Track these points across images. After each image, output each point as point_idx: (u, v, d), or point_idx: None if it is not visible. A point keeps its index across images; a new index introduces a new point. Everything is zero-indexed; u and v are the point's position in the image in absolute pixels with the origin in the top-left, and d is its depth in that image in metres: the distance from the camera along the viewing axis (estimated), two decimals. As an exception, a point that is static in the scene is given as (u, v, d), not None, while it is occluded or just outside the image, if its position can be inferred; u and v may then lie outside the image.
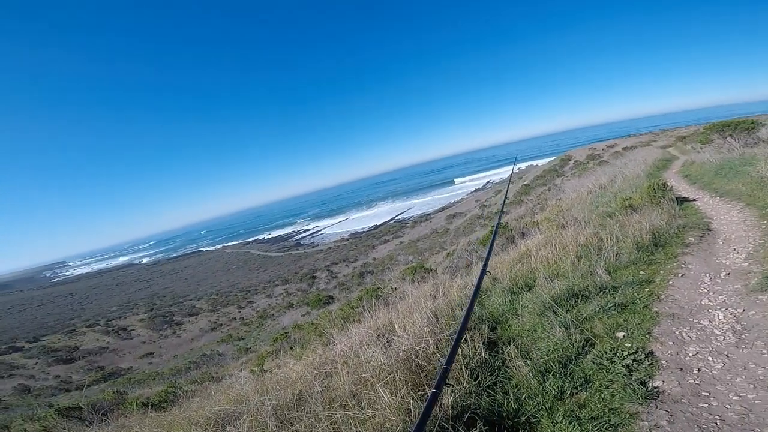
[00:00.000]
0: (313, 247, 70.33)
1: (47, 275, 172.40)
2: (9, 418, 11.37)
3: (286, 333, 12.41)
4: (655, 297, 3.56)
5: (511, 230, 8.47)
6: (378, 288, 9.63)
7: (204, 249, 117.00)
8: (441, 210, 62.02)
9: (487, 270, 3.16)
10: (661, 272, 4.07)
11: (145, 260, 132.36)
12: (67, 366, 30.39)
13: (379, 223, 73.06)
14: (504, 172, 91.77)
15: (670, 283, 3.79)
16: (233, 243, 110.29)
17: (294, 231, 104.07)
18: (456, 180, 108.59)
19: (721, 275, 3.86)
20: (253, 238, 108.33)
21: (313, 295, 27.77)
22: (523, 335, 3.47)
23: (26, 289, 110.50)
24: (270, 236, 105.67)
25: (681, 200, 7.31)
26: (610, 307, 3.44)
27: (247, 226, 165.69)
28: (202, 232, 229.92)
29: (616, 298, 3.56)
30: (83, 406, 7.29)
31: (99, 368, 28.18)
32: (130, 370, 26.20)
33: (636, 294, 3.65)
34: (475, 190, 76.14)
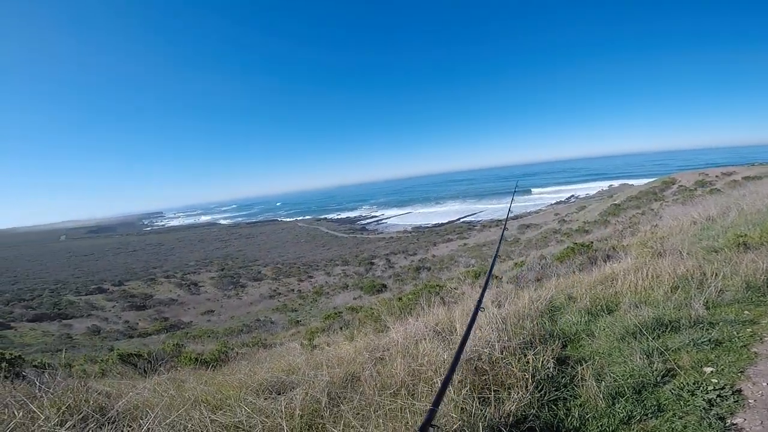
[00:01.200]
0: (376, 233, 71.94)
1: (145, 223, 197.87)
2: (74, 356, 12.24)
3: (338, 313, 12.67)
4: (758, 338, 3.26)
5: (595, 251, 8.02)
6: (438, 285, 9.65)
7: (280, 219, 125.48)
8: (515, 218, 59.53)
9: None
10: (771, 316, 3.69)
11: (227, 221, 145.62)
12: (138, 313, 33.72)
13: (444, 221, 72.28)
14: (592, 188, 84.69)
15: (778, 328, 3.43)
16: (306, 218, 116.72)
17: (361, 215, 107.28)
18: (533, 190, 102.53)
19: None
20: (324, 216, 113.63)
21: (368, 281, 28.42)
22: (597, 357, 3.40)
23: (125, 234, 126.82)
24: (339, 216, 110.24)
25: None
26: (702, 342, 3.24)
27: (320, 204, 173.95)
28: (278, 204, 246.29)
29: (712, 334, 3.33)
30: (143, 354, 7.40)
31: (164, 319, 30.72)
32: (189, 324, 28.20)
33: (735, 332, 3.37)
34: (556, 203, 71.74)
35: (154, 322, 29.70)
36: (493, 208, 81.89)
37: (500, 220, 59.79)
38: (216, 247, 77.72)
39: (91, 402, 2.93)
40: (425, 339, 3.73)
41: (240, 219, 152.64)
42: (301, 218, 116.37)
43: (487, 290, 7.11)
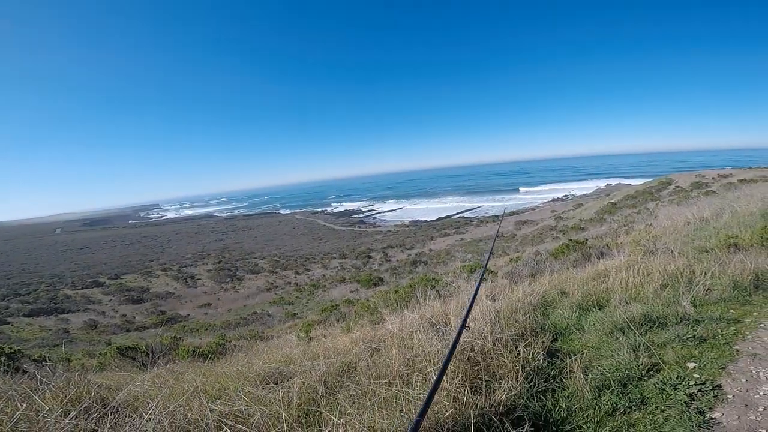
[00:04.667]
0: (374, 227, 72.02)
1: (141, 215, 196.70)
2: (72, 351, 12.29)
3: (335, 305, 12.76)
4: (741, 336, 3.37)
5: (589, 248, 8.14)
6: (434, 278, 9.75)
7: (278, 212, 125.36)
8: (512, 214, 59.75)
9: (468, 319, 3.03)
10: (755, 314, 3.80)
11: (223, 214, 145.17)
12: (135, 306, 33.63)
13: (442, 216, 72.41)
14: (589, 187, 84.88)
15: (762, 325, 3.54)
16: (303, 210, 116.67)
17: (359, 208, 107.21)
18: (521, 189, 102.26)
19: (831, 331, 3.50)
20: (321, 209, 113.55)
21: (365, 274, 28.45)
22: (585, 350, 3.50)
23: (121, 226, 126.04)
24: (337, 209, 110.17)
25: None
26: (687, 338, 3.35)
27: (313, 197, 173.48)
28: (266, 197, 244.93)
29: (697, 331, 3.43)
30: (141, 348, 7.50)
31: (161, 312, 30.59)
32: (186, 317, 28.13)
33: (720, 330, 3.48)
34: (553, 200, 71.98)
35: (151, 315, 29.62)
36: (489, 205, 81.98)
37: (497, 216, 59.99)
38: (213, 239, 77.53)
39: (92, 394, 2.99)
40: (420, 330, 3.80)
41: (237, 211, 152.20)
42: (299, 211, 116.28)
43: (483, 284, 7.23)
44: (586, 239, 9.60)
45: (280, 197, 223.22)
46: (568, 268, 7.42)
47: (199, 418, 2.60)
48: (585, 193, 75.48)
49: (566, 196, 76.50)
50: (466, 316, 2.85)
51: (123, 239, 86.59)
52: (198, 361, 6.44)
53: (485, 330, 3.51)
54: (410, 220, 73.22)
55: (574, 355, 3.34)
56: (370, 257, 42.03)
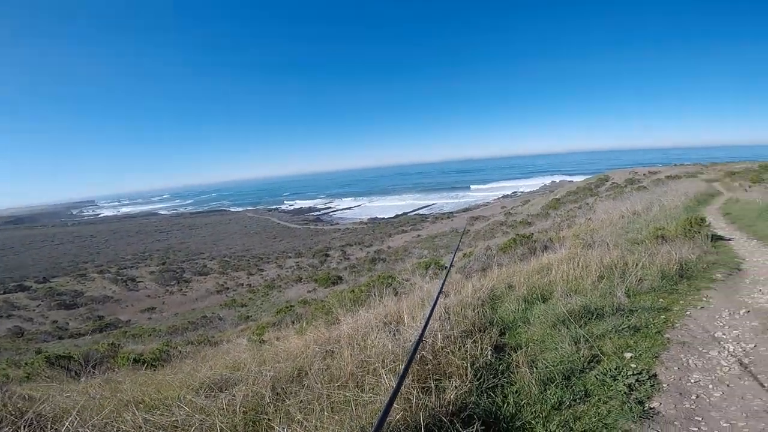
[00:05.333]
0: (331, 225, 71.20)
1: (73, 213, 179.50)
2: None
3: (290, 306, 12.46)
4: (670, 324, 3.59)
5: (534, 242, 8.44)
6: (390, 276, 9.70)
7: (228, 209, 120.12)
8: (464, 210, 61.65)
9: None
10: (681, 302, 4.08)
11: (167, 212, 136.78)
12: (68, 312, 30.88)
13: (399, 213, 73.09)
14: (535, 185, 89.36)
15: (688, 313, 3.80)
16: (256, 208, 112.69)
17: (315, 206, 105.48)
18: (472, 186, 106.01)
19: (741, 312, 3.87)
20: (275, 207, 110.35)
21: (323, 273, 27.96)
22: (531, 344, 3.56)
23: (50, 225, 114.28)
24: (292, 207, 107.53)
25: (716, 238, 7.16)
26: (623, 328, 3.49)
27: (269, 194, 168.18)
28: (213, 194, 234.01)
29: (631, 321, 3.60)
30: (75, 356, 7.00)
31: (98, 318, 28.35)
32: (128, 323, 26.27)
33: (651, 319, 3.68)
34: (503, 197, 75.01)
35: (87, 321, 27.19)
36: (443, 202, 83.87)
37: (451, 213, 61.54)
38: (156, 239, 72.67)
39: (9, 406, 2.73)
40: (374, 330, 3.74)
41: (182, 209, 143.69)
42: (251, 208, 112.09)
43: (437, 280, 7.24)
44: (532, 234, 10.01)
45: (229, 194, 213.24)
46: (515, 262, 7.64)
47: (132, 430, 2.43)
48: (532, 189, 79.40)
49: (515, 192, 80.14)
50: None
51: (53, 239, 78.78)
52: (140, 369, 6.06)
53: (435, 327, 3.47)
54: (368, 217, 73.15)
55: (521, 348, 3.38)
56: (328, 256, 41.42)
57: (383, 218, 69.70)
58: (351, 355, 3.19)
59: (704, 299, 4.22)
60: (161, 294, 35.60)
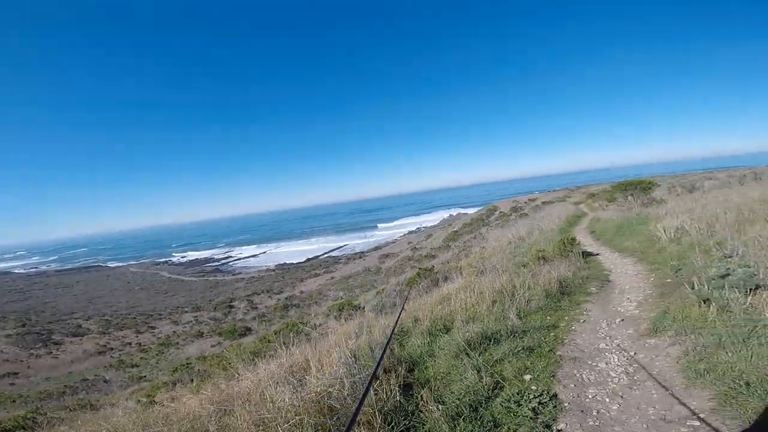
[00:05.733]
0: (233, 274, 66.06)
1: None
2: None
3: (188, 364, 11.79)
4: (560, 341, 3.80)
5: (436, 273, 8.69)
6: (299, 323, 9.23)
7: (105, 265, 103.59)
8: (375, 249, 62.63)
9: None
10: (566, 318, 4.40)
11: (26, 270, 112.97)
12: None
13: (310, 257, 71.27)
14: (436, 219, 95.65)
15: (573, 328, 4.08)
16: (141, 262, 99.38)
17: (213, 255, 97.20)
18: (379, 225, 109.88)
19: (617, 321, 4.27)
20: (164, 260, 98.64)
21: (228, 326, 26.09)
22: (438, 378, 3.45)
23: None
24: (185, 259, 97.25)
25: (586, 254, 8.12)
26: (519, 351, 3.58)
27: (155, 246, 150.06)
28: (83, 249, 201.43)
29: (525, 342, 3.73)
30: None
31: None
32: None
33: (543, 338, 3.86)
34: (409, 233, 78.38)
35: None
36: (354, 243, 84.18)
37: (363, 252, 62.06)
38: (10, 299, 59.76)
39: None
40: (276, 384, 3.48)
41: (45, 266, 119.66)
42: (134, 263, 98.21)
43: (351, 321, 6.92)
44: (433, 266, 10.37)
45: (105, 248, 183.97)
46: (421, 295, 7.74)
47: None
48: (433, 224, 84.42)
49: (418, 228, 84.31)
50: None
51: None
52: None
53: (341, 373, 3.25)
54: (276, 264, 69.59)
55: (428, 384, 3.27)
56: (232, 307, 38.11)
57: (293, 263, 67.08)
58: (248, 413, 2.95)
59: (585, 313, 4.61)
60: (24, 358, 29.87)
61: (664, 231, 7.33)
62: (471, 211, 71.07)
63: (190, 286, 58.72)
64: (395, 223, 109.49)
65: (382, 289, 12.38)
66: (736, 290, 3.49)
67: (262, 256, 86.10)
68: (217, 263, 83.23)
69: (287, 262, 69.78)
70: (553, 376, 3.18)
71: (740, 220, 6.26)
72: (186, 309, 41.68)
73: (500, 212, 43.64)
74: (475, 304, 5.10)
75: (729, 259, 3.82)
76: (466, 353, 3.60)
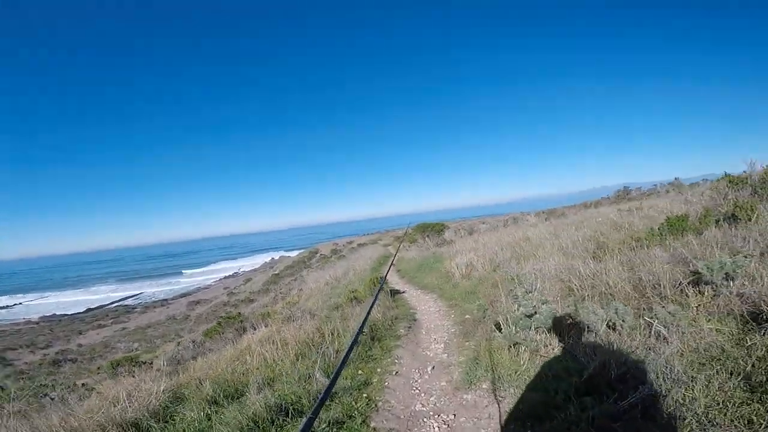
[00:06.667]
0: (-39, 333, 46.59)
1: None
2: None
3: None
4: (373, 405, 3.15)
5: (242, 321, 7.34)
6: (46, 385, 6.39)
7: None
8: (182, 296, 54.01)
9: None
10: (378, 370, 3.88)
11: None
12: None
13: (93, 307, 56.41)
14: (256, 263, 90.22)
15: (386, 384, 3.56)
16: None
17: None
18: (185, 271, 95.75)
19: (428, 370, 3.98)
20: None
21: None
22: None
23: None
24: None
25: (394, 292, 8.21)
26: (324, 428, 2.75)
27: None
28: None
29: (331, 413, 2.93)
30: None
31: None
32: None
33: (354, 403, 3.15)
34: (225, 277, 71.22)
35: None
36: (152, 291, 70.40)
37: (166, 300, 52.74)
38: None
39: None
40: None
41: None
42: None
43: (120, 387, 4.93)
44: (240, 313, 8.94)
45: None
46: (225, 346, 6.36)
47: None
48: (254, 267, 79.01)
49: (236, 272, 77.49)
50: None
51: None
52: None
53: None
54: (40, 315, 52.10)
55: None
56: (-38, 367, 25.97)
57: (67, 314, 51.65)
58: None
59: (396, 362, 4.20)
60: None
61: (457, 268, 8.07)
62: (293, 253, 69.96)
63: None
64: (207, 268, 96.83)
65: (182, 340, 10.07)
66: (544, 330, 3.49)
67: (18, 308, 63.31)
68: None
69: (57, 313, 53.46)
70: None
71: (515, 256, 7.33)
72: None
73: (321, 254, 44.23)
74: (278, 359, 4.15)
75: (529, 294, 3.94)
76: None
